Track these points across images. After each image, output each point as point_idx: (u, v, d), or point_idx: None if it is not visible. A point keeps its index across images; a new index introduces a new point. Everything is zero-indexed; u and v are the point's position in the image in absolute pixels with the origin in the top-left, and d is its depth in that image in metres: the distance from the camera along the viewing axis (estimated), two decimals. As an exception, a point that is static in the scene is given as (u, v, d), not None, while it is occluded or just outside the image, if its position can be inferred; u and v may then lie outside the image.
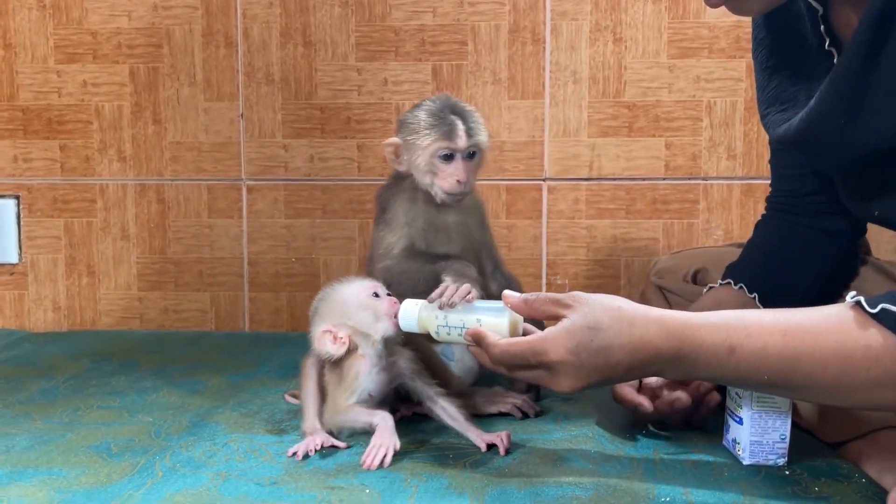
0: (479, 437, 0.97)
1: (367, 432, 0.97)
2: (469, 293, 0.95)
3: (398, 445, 0.93)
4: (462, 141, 1.08)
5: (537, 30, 1.63)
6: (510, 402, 1.10)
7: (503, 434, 0.97)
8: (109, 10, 1.68)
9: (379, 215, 1.16)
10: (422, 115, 1.09)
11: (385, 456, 0.92)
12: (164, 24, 1.68)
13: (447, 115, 1.08)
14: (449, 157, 1.08)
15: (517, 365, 0.86)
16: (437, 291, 0.95)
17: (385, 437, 0.94)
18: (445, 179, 1.09)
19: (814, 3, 0.90)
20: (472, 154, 1.10)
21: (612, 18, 1.62)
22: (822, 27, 0.90)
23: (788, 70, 0.97)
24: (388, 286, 1.05)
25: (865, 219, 1.03)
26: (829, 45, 0.90)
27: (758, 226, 1.17)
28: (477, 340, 0.89)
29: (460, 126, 1.08)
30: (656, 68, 1.62)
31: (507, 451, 0.95)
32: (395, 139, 1.13)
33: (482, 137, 1.11)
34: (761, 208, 1.18)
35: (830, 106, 0.85)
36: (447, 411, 1.00)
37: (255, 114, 1.68)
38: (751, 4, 0.87)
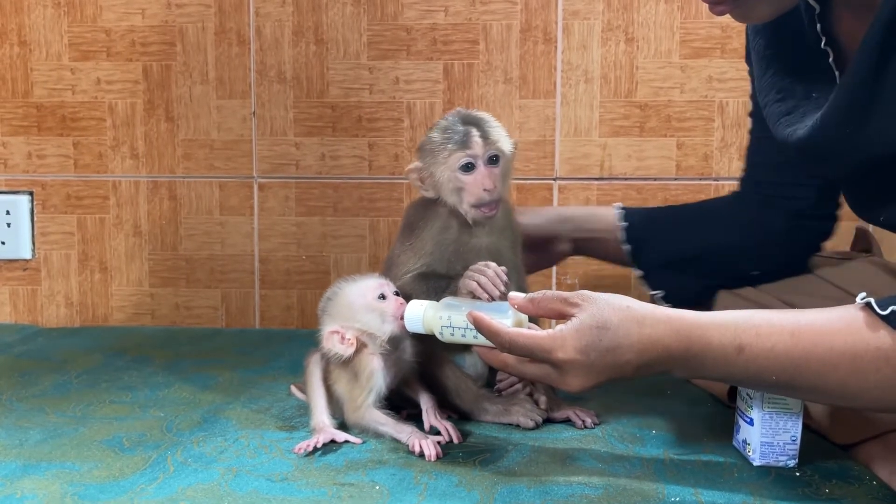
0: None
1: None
2: (500, 271, 0.97)
3: (440, 453, 0.94)
4: (478, 146, 1.03)
5: (549, 29, 1.63)
6: (530, 417, 1.05)
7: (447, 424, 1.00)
8: (123, 8, 1.69)
9: (405, 233, 1.10)
10: (434, 134, 1.05)
11: (435, 447, 0.94)
12: (177, 22, 1.69)
13: (458, 125, 1.04)
14: (470, 167, 1.03)
15: (522, 360, 0.85)
16: (476, 289, 0.96)
17: (422, 447, 0.94)
18: (472, 192, 1.03)
19: (811, 2, 0.90)
20: (493, 159, 1.04)
21: (624, 18, 1.62)
22: (818, 26, 0.90)
23: (785, 60, 0.96)
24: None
25: (871, 223, 1.03)
26: (824, 45, 0.90)
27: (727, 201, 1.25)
28: (482, 327, 0.86)
29: (474, 132, 1.03)
30: (668, 68, 1.62)
31: (451, 442, 0.97)
32: (416, 164, 1.07)
33: (500, 140, 1.05)
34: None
35: (840, 116, 0.84)
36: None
37: (267, 112, 1.69)
38: (757, 12, 0.87)
